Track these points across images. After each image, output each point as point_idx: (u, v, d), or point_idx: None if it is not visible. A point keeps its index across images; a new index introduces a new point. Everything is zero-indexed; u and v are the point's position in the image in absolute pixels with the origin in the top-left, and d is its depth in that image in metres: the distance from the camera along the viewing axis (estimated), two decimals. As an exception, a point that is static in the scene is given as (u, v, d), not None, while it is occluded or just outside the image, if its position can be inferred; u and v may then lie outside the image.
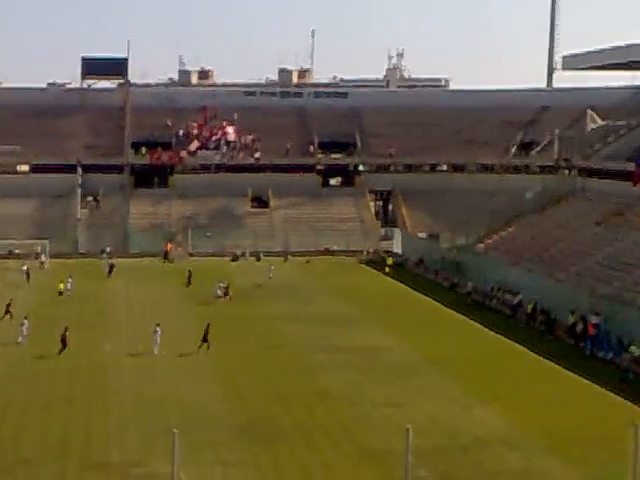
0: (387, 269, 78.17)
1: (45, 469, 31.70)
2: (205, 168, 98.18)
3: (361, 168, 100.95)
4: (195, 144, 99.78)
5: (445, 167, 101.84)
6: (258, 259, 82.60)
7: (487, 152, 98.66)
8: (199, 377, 43.82)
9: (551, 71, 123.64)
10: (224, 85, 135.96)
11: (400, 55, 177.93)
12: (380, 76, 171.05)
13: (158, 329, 48.27)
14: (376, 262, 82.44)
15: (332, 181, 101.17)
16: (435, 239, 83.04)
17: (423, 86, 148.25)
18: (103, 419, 37.18)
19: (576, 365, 45.77)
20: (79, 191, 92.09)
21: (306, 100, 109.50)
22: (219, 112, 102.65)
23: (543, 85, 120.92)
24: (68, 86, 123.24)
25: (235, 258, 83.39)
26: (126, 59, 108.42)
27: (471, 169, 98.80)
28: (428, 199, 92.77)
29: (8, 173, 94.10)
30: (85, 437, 35.05)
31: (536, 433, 35.83)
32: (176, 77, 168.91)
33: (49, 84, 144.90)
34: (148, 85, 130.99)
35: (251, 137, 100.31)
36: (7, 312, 55.19)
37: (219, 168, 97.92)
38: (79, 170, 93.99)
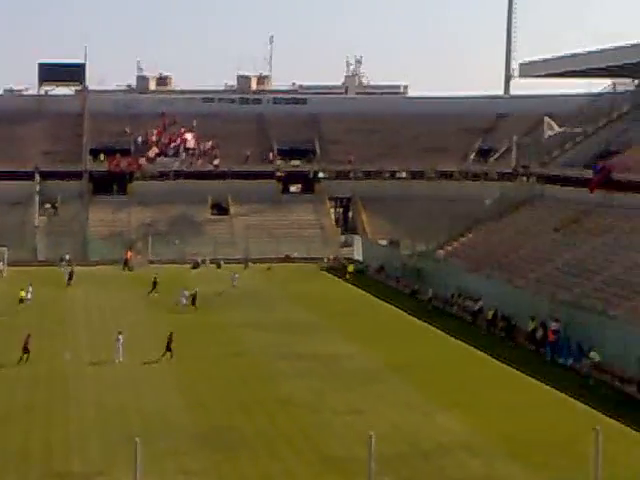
0: (348, 276, 78.23)
1: (5, 479, 31.40)
2: (164, 175, 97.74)
3: (321, 175, 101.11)
4: (154, 151, 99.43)
5: (404, 174, 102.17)
6: (218, 266, 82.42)
7: (446, 159, 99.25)
8: (161, 386, 43.63)
9: (508, 78, 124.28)
10: (182, 91, 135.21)
11: (359, 62, 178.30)
12: (339, 83, 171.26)
13: (120, 337, 47.99)
14: (337, 269, 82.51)
15: (292, 188, 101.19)
16: (395, 246, 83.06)
17: (382, 93, 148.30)
18: (64, 428, 36.89)
19: (537, 371, 46.07)
20: (37, 198, 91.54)
21: (265, 107, 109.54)
22: (178, 119, 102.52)
23: (501, 92, 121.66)
24: (25, 92, 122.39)
25: (196, 265, 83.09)
26: (84, 65, 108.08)
27: (430, 176, 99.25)
28: (388, 206, 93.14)
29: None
30: (46, 447, 34.79)
31: (498, 439, 36.01)
32: (134, 83, 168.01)
33: (6, 90, 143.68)
34: (106, 91, 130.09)
35: (210, 144, 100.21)
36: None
37: (178, 175, 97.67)
38: (37, 177, 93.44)
